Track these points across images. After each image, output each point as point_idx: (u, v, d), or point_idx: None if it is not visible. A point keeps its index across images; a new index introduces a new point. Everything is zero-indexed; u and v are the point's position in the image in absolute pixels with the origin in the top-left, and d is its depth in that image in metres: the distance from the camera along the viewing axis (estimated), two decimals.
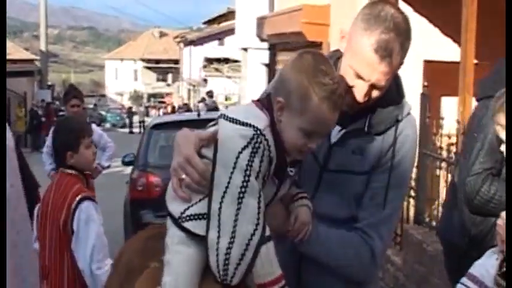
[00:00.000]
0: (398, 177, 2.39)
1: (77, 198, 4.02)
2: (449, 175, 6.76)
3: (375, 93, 2.35)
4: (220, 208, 2.02)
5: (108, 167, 8.48)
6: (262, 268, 2.04)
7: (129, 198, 9.27)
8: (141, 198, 8.88)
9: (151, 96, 79.99)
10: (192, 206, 2.10)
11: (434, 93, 7.41)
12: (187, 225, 2.08)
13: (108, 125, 53.49)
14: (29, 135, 29.52)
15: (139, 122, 47.05)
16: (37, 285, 5.28)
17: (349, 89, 2.31)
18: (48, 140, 8.27)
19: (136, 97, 78.06)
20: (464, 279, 3.27)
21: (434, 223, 6.96)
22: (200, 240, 2.05)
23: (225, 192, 2.02)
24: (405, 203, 6.92)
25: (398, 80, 2.47)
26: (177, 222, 2.10)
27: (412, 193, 7.46)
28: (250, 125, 2.04)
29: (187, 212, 2.10)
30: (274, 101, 2.13)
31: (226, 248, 2.00)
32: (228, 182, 2.02)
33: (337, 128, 2.40)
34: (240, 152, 2.02)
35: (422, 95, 7.24)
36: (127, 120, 52.89)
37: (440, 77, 8.17)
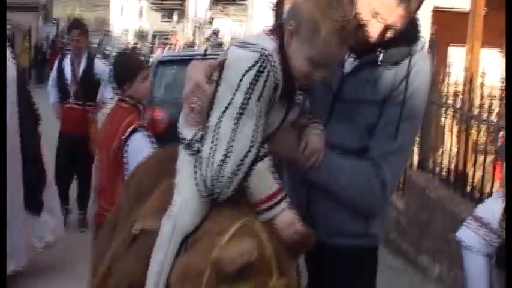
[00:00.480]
0: (411, 110, 2.41)
1: (129, 129, 4.23)
2: (454, 123, 6.82)
3: (389, 34, 2.37)
4: (218, 124, 2.09)
5: (112, 99, 8.39)
6: (259, 185, 2.11)
7: None
8: None
9: (156, 34, 79.34)
10: (202, 129, 2.17)
11: (442, 42, 7.40)
12: (198, 145, 2.15)
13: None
14: (33, 70, 29.42)
15: None
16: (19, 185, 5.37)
17: (362, 26, 2.33)
18: (53, 73, 8.32)
19: (141, 35, 77.44)
20: (469, 221, 3.30)
21: (438, 169, 7.05)
22: None
23: (225, 109, 2.09)
24: None
25: (415, 23, 2.48)
26: (187, 145, 2.20)
27: (417, 139, 7.52)
28: (257, 48, 2.10)
29: (198, 136, 2.17)
30: (286, 25, 2.16)
31: (219, 163, 2.07)
32: (230, 100, 2.09)
33: (351, 58, 2.43)
34: (244, 74, 2.08)
35: (430, 42, 7.24)
36: None
37: (448, 26, 8.15)
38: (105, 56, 54.44)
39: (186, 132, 2.23)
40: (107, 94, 8.22)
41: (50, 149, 7.93)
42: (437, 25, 7.70)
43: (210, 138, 2.10)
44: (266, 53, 2.08)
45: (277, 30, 2.19)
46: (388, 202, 2.57)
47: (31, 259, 6.05)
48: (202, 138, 2.15)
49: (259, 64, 2.07)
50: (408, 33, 2.43)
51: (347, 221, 2.48)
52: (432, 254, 6.59)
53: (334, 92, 2.45)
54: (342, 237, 2.47)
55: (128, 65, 4.61)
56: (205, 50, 11.11)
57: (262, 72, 2.07)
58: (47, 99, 8.53)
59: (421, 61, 2.44)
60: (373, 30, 2.35)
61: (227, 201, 2.14)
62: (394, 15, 2.32)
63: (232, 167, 2.07)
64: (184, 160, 2.21)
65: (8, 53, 5.78)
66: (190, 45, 32.24)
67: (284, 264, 2.01)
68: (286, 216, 2.14)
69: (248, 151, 2.08)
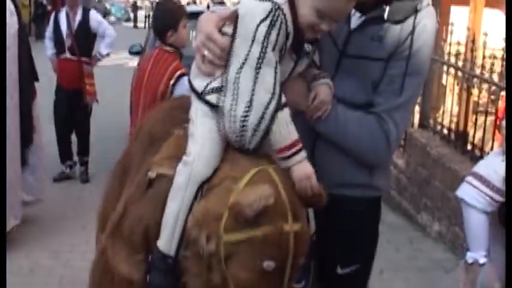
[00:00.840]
0: (415, 65, 2.44)
1: (177, 74, 4.44)
2: (456, 82, 6.86)
3: None
4: (237, 77, 2.13)
5: (107, 55, 8.47)
6: (280, 133, 2.14)
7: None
8: None
9: None
10: (214, 80, 2.23)
11: (445, 1, 7.40)
12: (209, 98, 2.20)
13: (112, 18, 52.85)
14: (33, 25, 29.24)
15: (145, 17, 46.45)
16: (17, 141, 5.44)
17: None
18: (50, 26, 8.27)
19: None
20: (470, 178, 3.30)
21: (438, 128, 7.11)
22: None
23: (243, 62, 2.13)
24: None
25: None
26: (200, 96, 2.24)
27: (418, 98, 7.56)
28: (268, 0, 2.14)
29: (210, 86, 2.22)
30: None
31: (242, 115, 2.11)
32: (247, 53, 2.13)
33: (358, 14, 2.46)
34: (259, 25, 2.11)
35: (433, 1, 7.22)
36: (131, 15, 52.26)
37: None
38: (105, 12, 54.18)
39: (198, 83, 2.27)
40: (103, 49, 8.32)
41: (48, 107, 8.00)
42: None
43: (231, 92, 2.14)
44: (277, 4, 2.12)
45: None
46: (391, 156, 2.64)
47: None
48: (214, 90, 2.20)
49: (272, 14, 2.11)
50: None
51: (351, 172, 2.53)
52: (432, 212, 6.67)
53: (340, 47, 2.48)
54: (345, 187, 2.53)
55: (173, 12, 4.77)
56: (208, 6, 11.08)
57: (275, 22, 2.11)
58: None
59: (426, 18, 2.46)
60: None
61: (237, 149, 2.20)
62: None
63: (255, 118, 2.11)
64: (197, 110, 2.25)
65: (11, 6, 5.79)
66: (193, 1, 32.06)
67: (298, 211, 2.07)
68: (304, 167, 2.18)
69: (270, 101, 2.12)
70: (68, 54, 8.02)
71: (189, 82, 2.32)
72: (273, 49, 2.12)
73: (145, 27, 39.51)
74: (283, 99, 2.16)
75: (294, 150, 2.17)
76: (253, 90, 2.11)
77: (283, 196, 2.03)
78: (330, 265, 2.58)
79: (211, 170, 2.18)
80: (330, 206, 2.23)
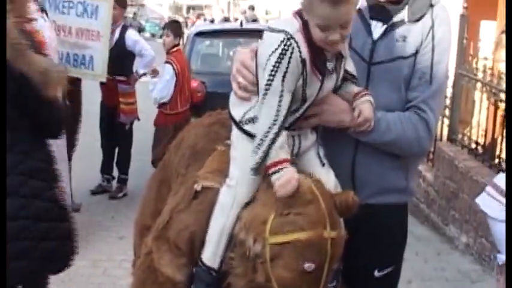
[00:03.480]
0: (440, 54, 2.64)
1: None
2: (484, 96, 6.95)
3: None
4: (259, 103, 2.38)
5: (144, 74, 8.48)
6: (276, 153, 2.34)
7: None
8: None
9: (190, 7, 79.43)
10: (250, 109, 2.46)
11: (474, 16, 7.49)
12: (247, 127, 2.45)
13: (147, 35, 53.36)
14: None
15: None
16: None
17: None
18: None
19: (175, 8, 77.62)
20: (489, 189, 3.44)
21: (466, 141, 7.21)
22: None
23: (259, 91, 2.39)
24: (439, 122, 7.12)
25: None
26: (238, 125, 2.47)
27: (447, 112, 7.68)
28: (281, 31, 2.34)
29: (246, 116, 2.46)
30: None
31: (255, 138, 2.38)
32: (260, 81, 2.38)
33: (379, 24, 2.64)
34: (270, 55, 2.32)
35: (461, 16, 7.34)
36: None
37: (480, 1, 8.21)
38: (140, 28, 54.70)
39: (236, 112, 2.51)
40: (140, 69, 8.35)
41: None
42: (468, 0, 7.79)
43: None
44: (289, 34, 2.32)
45: (300, 11, 2.42)
46: (432, 140, 2.84)
47: None
48: (250, 120, 2.44)
49: (283, 44, 2.31)
50: None
51: (391, 178, 2.71)
52: (459, 224, 6.76)
53: (367, 59, 2.65)
54: (385, 194, 2.70)
55: None
56: (241, 23, 11.30)
57: (286, 51, 2.31)
58: None
59: (441, 11, 2.68)
60: None
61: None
62: None
63: (256, 140, 2.36)
64: (238, 135, 2.48)
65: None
66: (226, 19, 32.35)
67: (334, 219, 2.30)
68: (282, 181, 2.33)
69: (271, 126, 2.33)
70: None
71: (228, 111, 2.55)
72: (284, 76, 2.32)
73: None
74: (285, 124, 2.37)
75: (275, 169, 2.34)
76: (259, 114, 2.36)
77: (322, 206, 2.26)
78: (367, 269, 2.74)
79: (254, 191, 2.41)
80: (367, 213, 2.43)
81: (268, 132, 2.33)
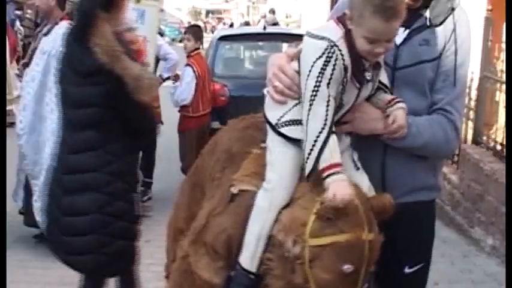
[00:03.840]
0: (462, 56, 2.69)
1: None
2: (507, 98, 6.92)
3: None
4: (303, 109, 2.42)
5: (168, 78, 8.45)
6: (330, 155, 2.38)
7: None
8: None
9: (209, 12, 79.74)
10: (286, 113, 2.50)
11: (498, 18, 7.48)
12: (283, 130, 2.49)
13: (166, 39, 53.45)
14: None
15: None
16: None
17: None
18: None
19: (194, 12, 77.94)
20: None
21: (491, 143, 7.20)
22: (298, 142, 2.45)
23: (304, 98, 2.42)
24: (463, 125, 7.10)
25: None
26: (275, 128, 2.51)
27: (471, 115, 7.67)
28: (324, 38, 2.39)
29: (283, 119, 2.50)
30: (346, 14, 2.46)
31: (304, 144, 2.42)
32: (304, 88, 2.41)
33: (401, 29, 2.63)
34: (314, 62, 2.38)
35: (486, 18, 7.33)
36: None
37: (504, 3, 8.18)
38: (159, 33, 54.83)
39: (271, 115, 2.55)
40: (164, 73, 8.36)
41: None
42: (492, 2, 7.79)
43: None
44: (333, 42, 2.37)
45: (343, 18, 2.46)
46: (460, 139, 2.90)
47: None
48: (288, 122, 2.49)
49: (327, 51, 2.37)
50: None
51: (421, 177, 2.77)
52: (485, 226, 6.75)
53: (391, 64, 2.67)
54: (416, 192, 2.76)
55: None
56: (264, 27, 11.38)
57: (330, 58, 2.36)
58: None
59: (461, 14, 2.71)
60: None
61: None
62: None
63: (309, 146, 2.38)
64: (274, 139, 2.52)
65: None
66: (246, 23, 32.44)
67: (372, 222, 2.33)
68: (338, 187, 2.35)
69: (321, 130, 2.37)
70: None
71: (263, 114, 2.60)
72: (328, 83, 2.37)
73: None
74: (333, 128, 2.41)
75: (330, 172, 2.37)
76: (307, 121, 2.39)
77: (360, 209, 2.29)
78: (398, 265, 2.78)
79: (290, 195, 2.44)
80: (399, 211, 2.47)
81: (318, 137, 2.37)
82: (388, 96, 2.60)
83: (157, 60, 8.32)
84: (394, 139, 2.62)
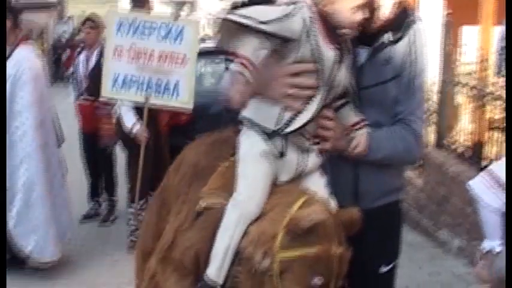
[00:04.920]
0: (421, 65, 2.71)
1: None
2: (469, 101, 6.99)
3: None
4: None
5: None
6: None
7: None
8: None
9: None
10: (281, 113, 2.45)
11: (456, 22, 7.54)
12: (290, 129, 2.44)
13: None
14: (48, 69, 29.46)
15: None
16: None
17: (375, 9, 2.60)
18: (70, 71, 8.30)
19: None
20: (483, 174, 3.48)
21: (454, 146, 7.26)
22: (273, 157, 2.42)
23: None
24: (425, 129, 7.13)
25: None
26: (277, 133, 2.43)
27: (434, 118, 7.74)
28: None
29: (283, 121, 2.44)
30: None
31: None
32: None
33: (364, 49, 2.65)
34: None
35: (446, 22, 7.36)
36: None
37: (461, 6, 8.25)
38: None
39: (264, 124, 2.45)
40: None
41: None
42: (451, 4, 7.82)
43: None
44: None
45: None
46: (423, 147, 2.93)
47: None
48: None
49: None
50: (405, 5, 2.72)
51: (392, 180, 2.83)
52: (451, 228, 6.81)
53: (353, 83, 2.62)
54: (389, 195, 2.81)
55: None
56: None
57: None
58: (62, 97, 8.48)
59: (419, 25, 2.71)
60: (385, 11, 2.62)
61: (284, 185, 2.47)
62: None
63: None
64: (253, 151, 2.44)
65: (32, 53, 6.10)
66: (202, 39, 32.23)
67: (341, 236, 2.32)
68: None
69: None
70: (84, 97, 7.92)
71: (250, 126, 2.48)
72: None
73: None
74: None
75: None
76: None
77: (329, 222, 2.28)
78: (373, 266, 2.82)
79: (261, 209, 2.41)
80: (372, 216, 2.50)
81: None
82: (355, 118, 2.61)
83: None
84: (354, 155, 2.65)
